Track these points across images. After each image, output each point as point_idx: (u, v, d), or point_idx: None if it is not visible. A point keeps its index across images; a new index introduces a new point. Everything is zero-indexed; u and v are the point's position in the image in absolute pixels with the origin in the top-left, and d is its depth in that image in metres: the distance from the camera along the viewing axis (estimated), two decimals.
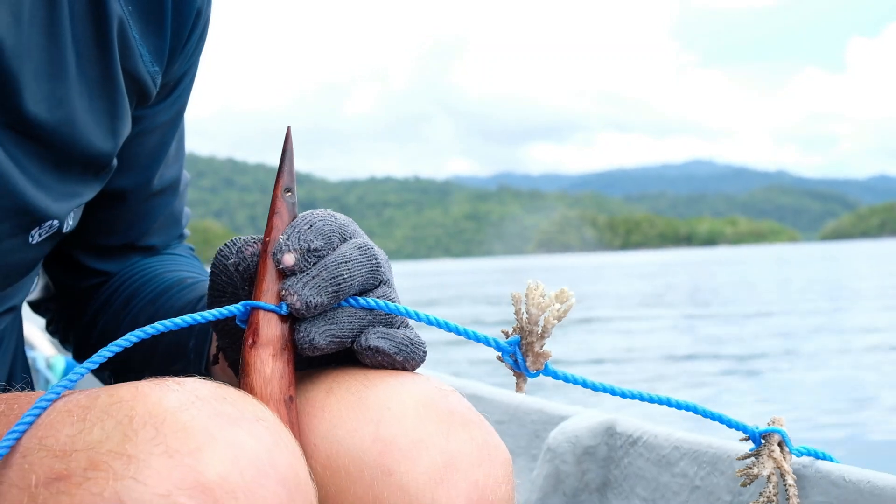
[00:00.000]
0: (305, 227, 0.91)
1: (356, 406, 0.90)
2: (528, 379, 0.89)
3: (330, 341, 0.90)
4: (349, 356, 0.98)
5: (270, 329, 0.89)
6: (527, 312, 0.87)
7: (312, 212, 0.94)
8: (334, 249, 0.92)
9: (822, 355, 10.99)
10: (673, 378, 9.56)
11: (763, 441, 0.94)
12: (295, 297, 0.88)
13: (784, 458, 0.93)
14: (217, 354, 1.10)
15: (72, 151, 1.11)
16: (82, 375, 0.81)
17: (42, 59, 1.05)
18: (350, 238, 0.94)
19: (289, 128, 0.98)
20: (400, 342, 0.93)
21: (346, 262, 0.91)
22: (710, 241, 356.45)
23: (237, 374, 1.01)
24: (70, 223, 1.16)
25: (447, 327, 0.91)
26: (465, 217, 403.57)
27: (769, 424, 0.94)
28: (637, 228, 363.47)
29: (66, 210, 1.13)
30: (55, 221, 1.12)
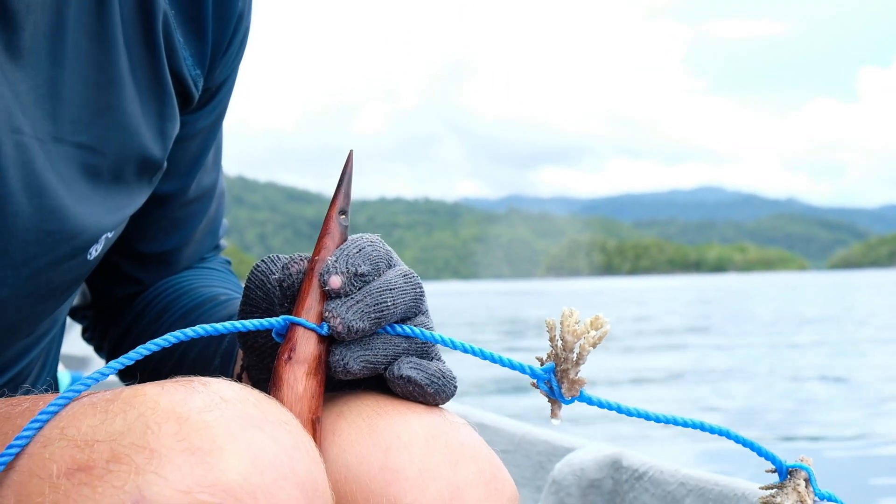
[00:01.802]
0: (354, 251, 0.91)
1: (366, 432, 0.90)
2: (563, 405, 0.89)
3: (363, 367, 0.90)
4: (371, 381, 0.98)
5: (308, 348, 0.89)
6: (561, 339, 0.87)
7: (362, 236, 0.94)
8: (380, 275, 0.92)
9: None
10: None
11: (789, 475, 0.95)
12: (338, 320, 0.88)
13: (808, 495, 0.94)
14: (241, 374, 1.10)
15: (125, 158, 1.11)
16: (112, 371, 0.82)
17: (91, 66, 1.05)
18: (395, 265, 0.94)
19: (351, 151, 0.98)
20: (432, 374, 0.93)
21: (390, 289, 0.91)
22: (719, 267, 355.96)
23: (251, 380, 1.03)
24: (119, 229, 1.17)
25: (482, 355, 0.91)
26: (474, 239, 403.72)
27: (798, 461, 0.96)
28: (646, 254, 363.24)
29: (119, 220, 1.14)
30: (110, 234, 1.13)
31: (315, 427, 0.88)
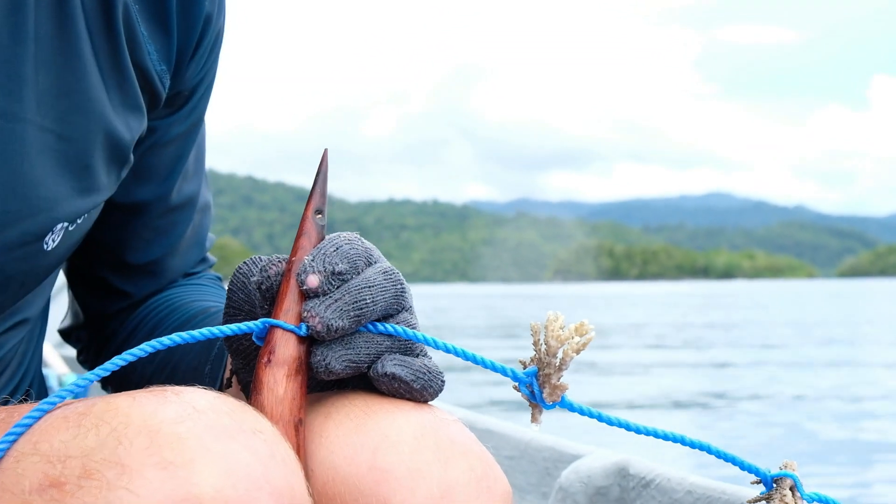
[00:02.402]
0: (332, 250, 0.90)
1: (354, 433, 0.89)
2: (544, 410, 0.89)
3: (346, 366, 0.89)
4: (359, 381, 0.97)
5: (287, 349, 0.88)
6: (545, 344, 0.86)
7: (339, 235, 0.94)
8: (359, 274, 0.91)
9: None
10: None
11: (775, 485, 0.94)
12: (317, 320, 0.87)
13: (796, 502, 0.93)
14: (230, 378, 1.09)
15: (91, 144, 1.10)
16: (90, 382, 0.81)
17: (53, 49, 1.04)
18: (375, 262, 0.94)
19: (325, 150, 0.98)
20: (417, 370, 0.92)
21: (369, 286, 0.90)
22: (728, 274, 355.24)
23: (248, 396, 1.01)
24: (79, 222, 1.14)
25: (464, 356, 0.90)
26: (482, 242, 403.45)
27: (781, 468, 0.95)
28: (654, 259, 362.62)
29: (79, 210, 1.12)
30: (69, 225, 1.11)
31: (298, 430, 0.87)
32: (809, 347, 18.61)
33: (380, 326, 0.91)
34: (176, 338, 0.84)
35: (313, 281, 0.88)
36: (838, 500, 0.96)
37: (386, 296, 0.91)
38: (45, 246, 1.10)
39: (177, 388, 0.79)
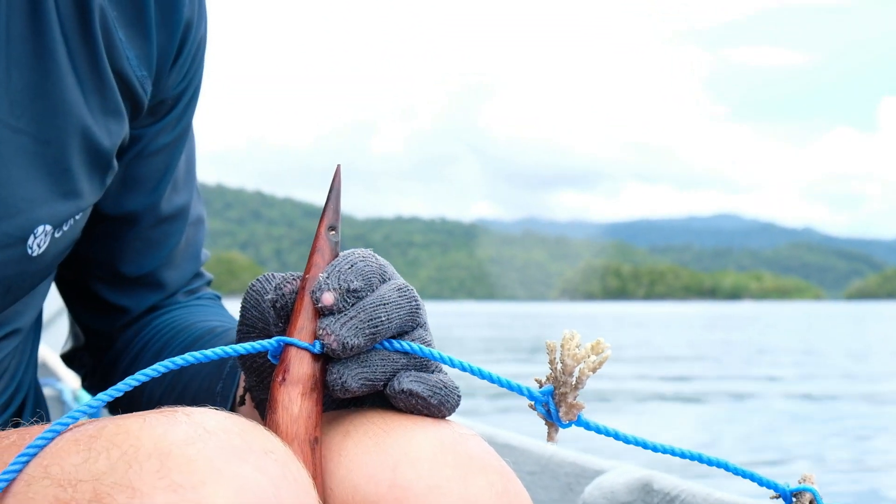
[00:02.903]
0: (346, 267, 0.90)
1: (373, 451, 0.89)
2: (560, 429, 0.88)
3: (362, 384, 0.89)
4: (375, 398, 0.97)
5: (302, 367, 0.88)
6: (561, 362, 0.86)
7: (354, 251, 0.93)
8: (374, 291, 0.91)
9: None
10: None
11: (794, 499, 0.94)
12: (332, 337, 0.87)
13: None
14: (244, 395, 1.09)
15: (69, 147, 1.09)
16: (101, 404, 0.81)
17: (27, 51, 1.04)
18: (390, 279, 0.93)
19: (338, 166, 0.97)
20: (433, 385, 0.92)
21: (384, 303, 0.89)
22: (735, 295, 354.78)
23: (263, 414, 1.02)
24: (65, 229, 1.14)
25: (480, 374, 0.90)
26: (489, 260, 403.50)
27: (800, 482, 0.94)
28: (661, 279, 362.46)
29: (61, 214, 1.11)
30: (52, 229, 1.10)
31: (314, 448, 0.87)
32: (820, 372, 18.61)
33: (395, 344, 0.91)
34: (189, 357, 0.84)
35: (328, 299, 0.88)
36: None
37: (401, 313, 0.90)
38: (30, 251, 1.09)
39: (187, 408, 0.79)
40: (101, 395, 0.81)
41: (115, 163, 1.19)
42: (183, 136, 1.33)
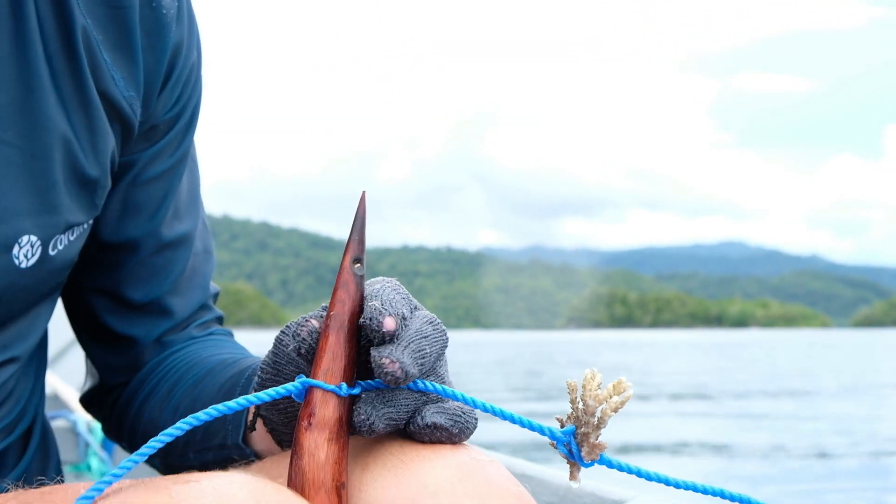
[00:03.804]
0: (392, 294, 0.90)
1: (392, 484, 0.89)
2: (583, 468, 0.88)
3: (387, 425, 0.89)
4: None
5: (327, 411, 0.87)
6: (583, 402, 0.86)
7: (385, 280, 0.93)
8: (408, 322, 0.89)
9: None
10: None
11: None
12: (397, 366, 0.85)
13: None
14: (254, 421, 1.08)
15: (53, 161, 1.11)
16: (129, 469, 0.80)
17: (10, 67, 1.07)
18: (418, 309, 0.93)
19: (363, 193, 0.94)
20: (454, 415, 0.92)
21: (424, 336, 0.89)
22: (741, 322, 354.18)
23: (277, 440, 1.05)
24: (60, 248, 1.15)
25: (502, 415, 0.90)
26: (495, 289, 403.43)
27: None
28: (667, 307, 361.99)
29: (48, 228, 1.12)
30: (34, 238, 1.11)
31: (340, 494, 0.87)
32: (826, 399, 18.56)
33: (419, 384, 0.90)
34: (212, 411, 0.83)
35: (391, 324, 0.86)
36: None
37: (436, 347, 0.90)
38: (17, 261, 1.10)
39: (213, 478, 0.78)
40: (127, 462, 0.80)
41: (108, 182, 1.20)
42: (181, 163, 1.34)
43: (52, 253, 1.14)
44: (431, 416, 0.91)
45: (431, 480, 0.88)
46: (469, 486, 0.88)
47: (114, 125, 1.19)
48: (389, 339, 0.87)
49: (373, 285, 0.91)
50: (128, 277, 1.33)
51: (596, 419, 0.86)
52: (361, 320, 0.88)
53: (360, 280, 0.91)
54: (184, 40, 1.25)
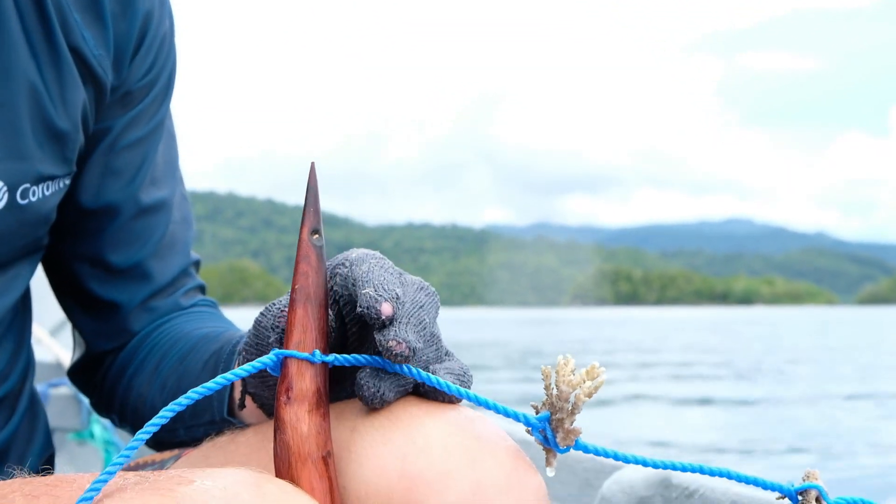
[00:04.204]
0: (380, 272, 0.91)
1: (381, 443, 0.90)
2: (558, 454, 0.89)
3: (397, 394, 0.91)
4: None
5: (304, 382, 0.87)
6: (557, 388, 0.86)
7: (367, 254, 0.95)
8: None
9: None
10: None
11: (800, 498, 0.94)
12: (404, 346, 0.86)
13: None
14: (242, 398, 1.09)
15: (21, 110, 1.14)
16: (136, 447, 0.80)
17: None
18: (402, 276, 0.94)
19: (313, 164, 0.94)
20: (459, 374, 0.94)
21: (421, 306, 0.91)
22: (746, 300, 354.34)
23: (268, 413, 1.06)
24: (32, 199, 1.18)
25: (477, 401, 0.90)
26: (500, 266, 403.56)
27: (804, 480, 0.94)
28: (672, 284, 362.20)
29: (14, 173, 1.14)
30: (1, 183, 1.13)
31: (327, 463, 0.87)
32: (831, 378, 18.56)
33: (405, 369, 0.90)
34: (193, 395, 0.83)
35: (388, 309, 0.87)
36: (867, 500, 0.95)
37: (432, 313, 0.92)
38: None
39: (217, 477, 0.78)
40: (132, 443, 0.80)
41: (78, 136, 1.23)
42: (157, 132, 1.37)
43: (21, 202, 1.16)
44: (444, 376, 0.92)
45: (420, 437, 0.89)
46: (458, 441, 0.89)
47: (86, 85, 1.22)
48: (390, 322, 0.88)
49: (359, 266, 0.92)
50: (109, 242, 1.35)
51: (570, 405, 0.86)
52: (358, 309, 0.88)
53: (319, 251, 0.91)
54: (154, 10, 1.29)
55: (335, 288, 0.94)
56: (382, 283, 0.89)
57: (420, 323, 0.89)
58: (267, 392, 1.03)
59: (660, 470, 1.59)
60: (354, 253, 0.96)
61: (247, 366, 0.88)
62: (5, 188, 1.13)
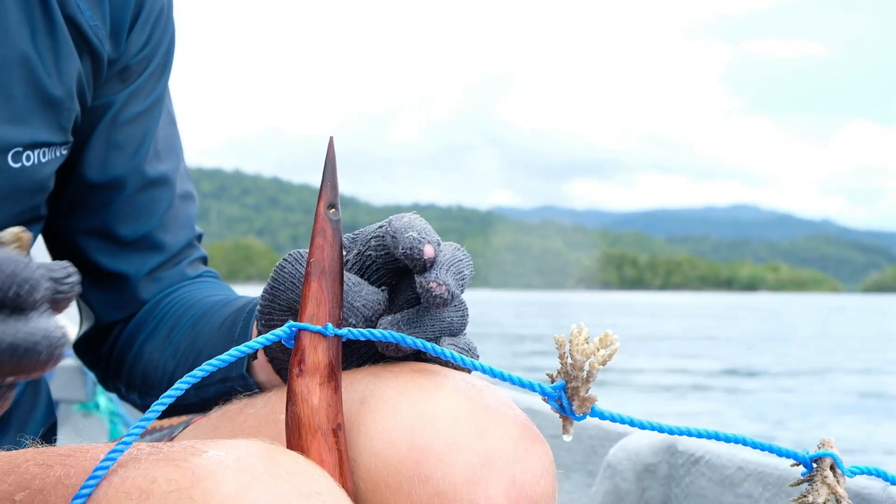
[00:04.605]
0: (421, 224, 0.92)
1: (391, 416, 0.90)
2: (575, 422, 0.90)
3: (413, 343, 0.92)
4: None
5: (317, 355, 0.88)
6: (571, 357, 0.87)
7: (406, 215, 0.95)
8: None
9: None
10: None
11: (815, 465, 0.95)
12: (444, 288, 0.88)
13: (838, 481, 0.93)
14: (254, 359, 1.12)
15: (7, 72, 1.15)
16: (152, 420, 0.81)
17: None
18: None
19: (331, 138, 0.94)
20: (465, 349, 0.96)
21: (459, 260, 0.92)
22: (751, 286, 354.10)
23: (278, 371, 1.08)
24: (26, 164, 1.19)
25: (491, 373, 0.90)
26: (506, 248, 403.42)
27: (819, 448, 0.95)
28: (678, 269, 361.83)
29: (5, 135, 1.15)
30: None
31: (337, 435, 0.88)
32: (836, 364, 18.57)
33: (408, 340, 0.91)
34: (207, 367, 0.84)
35: (430, 251, 0.89)
36: (881, 469, 0.95)
37: (468, 270, 0.93)
38: None
39: (229, 448, 0.78)
40: (149, 414, 0.81)
41: (73, 104, 1.24)
42: (157, 107, 1.39)
43: (13, 165, 1.17)
44: (448, 347, 0.93)
45: (429, 409, 0.90)
46: (466, 411, 0.90)
47: (83, 56, 1.23)
48: (430, 265, 0.89)
49: (401, 219, 0.93)
50: (117, 215, 1.37)
51: (585, 373, 0.87)
52: (402, 250, 0.90)
53: (336, 225, 0.92)
54: None
55: (369, 252, 0.96)
56: (424, 228, 0.91)
57: (460, 273, 0.91)
58: (278, 351, 1.05)
59: (665, 436, 1.64)
60: (393, 217, 0.96)
61: (261, 338, 0.88)
62: None
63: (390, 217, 0.96)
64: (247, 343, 0.87)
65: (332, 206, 0.92)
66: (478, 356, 0.96)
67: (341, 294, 0.91)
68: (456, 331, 0.95)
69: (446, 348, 0.91)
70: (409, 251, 0.89)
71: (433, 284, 0.88)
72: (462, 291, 0.91)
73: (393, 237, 0.92)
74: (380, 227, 0.96)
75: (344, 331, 0.90)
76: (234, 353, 0.85)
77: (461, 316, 0.95)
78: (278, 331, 0.89)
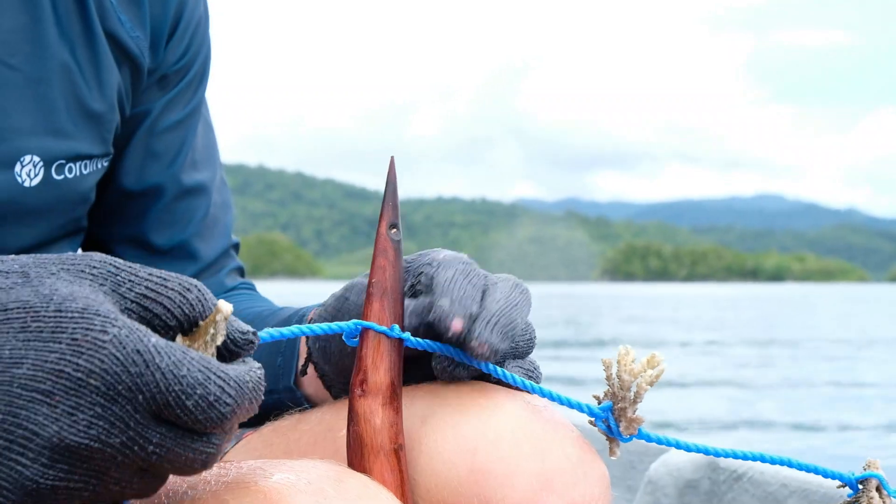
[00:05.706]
0: (463, 284, 0.91)
1: (452, 436, 0.90)
2: (622, 444, 0.90)
3: (470, 374, 0.93)
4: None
5: (378, 376, 0.88)
6: (618, 378, 0.88)
7: (446, 257, 0.95)
8: (491, 291, 0.92)
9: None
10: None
11: (861, 486, 0.94)
12: (486, 347, 0.87)
13: (884, 502, 0.93)
14: (305, 366, 1.12)
15: (55, 89, 1.16)
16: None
17: (14, 6, 1.13)
18: (495, 278, 0.95)
19: (392, 158, 0.95)
20: (529, 369, 0.95)
21: (514, 305, 0.91)
22: (777, 276, 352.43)
23: (325, 383, 1.09)
24: (69, 175, 1.20)
25: (541, 393, 0.91)
26: (529, 240, 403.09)
27: (865, 469, 0.94)
28: (703, 260, 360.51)
29: (49, 149, 1.16)
30: (36, 158, 1.15)
31: (399, 456, 0.88)
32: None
33: (490, 367, 0.91)
34: (265, 335, 0.82)
35: (458, 325, 0.88)
36: None
37: (524, 314, 0.92)
38: (20, 179, 1.14)
39: (298, 470, 0.77)
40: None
41: (114, 116, 1.25)
42: (194, 116, 1.40)
43: (56, 177, 1.18)
44: (512, 370, 0.93)
45: (490, 430, 0.90)
46: (527, 432, 0.90)
47: (122, 67, 1.25)
48: (473, 321, 0.88)
49: (445, 270, 0.93)
50: (153, 223, 1.38)
51: (632, 394, 0.87)
52: (431, 317, 0.90)
53: (397, 245, 0.92)
54: None
55: (417, 287, 0.96)
56: (461, 297, 0.90)
57: (510, 323, 0.89)
58: (329, 368, 1.05)
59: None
60: (442, 254, 0.96)
61: (324, 325, 0.88)
62: (41, 163, 1.15)
63: (438, 255, 0.96)
64: (309, 326, 0.87)
65: (393, 226, 0.92)
66: (540, 374, 0.96)
67: (402, 314, 0.91)
68: (522, 354, 0.95)
69: (512, 370, 0.92)
70: (437, 322, 0.89)
71: (475, 344, 0.88)
72: (509, 346, 0.90)
73: (433, 291, 0.92)
74: (429, 263, 0.96)
75: (407, 335, 0.90)
76: (295, 329, 0.84)
77: (528, 340, 0.95)
78: (343, 323, 0.89)
